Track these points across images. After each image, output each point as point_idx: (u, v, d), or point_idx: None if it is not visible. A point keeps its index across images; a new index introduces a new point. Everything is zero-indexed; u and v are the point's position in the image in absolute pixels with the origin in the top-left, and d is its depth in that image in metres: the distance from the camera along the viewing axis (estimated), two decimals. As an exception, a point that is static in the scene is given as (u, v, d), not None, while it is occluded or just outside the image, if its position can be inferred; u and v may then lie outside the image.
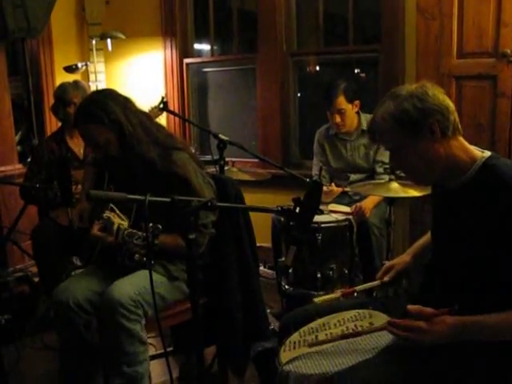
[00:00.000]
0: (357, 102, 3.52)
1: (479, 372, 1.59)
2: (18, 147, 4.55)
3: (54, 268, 3.06)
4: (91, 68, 4.65)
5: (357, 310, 1.86)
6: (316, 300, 1.88)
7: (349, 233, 3.12)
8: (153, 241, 1.72)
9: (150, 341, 2.85)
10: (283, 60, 4.39)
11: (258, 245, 2.64)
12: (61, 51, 4.77)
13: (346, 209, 3.34)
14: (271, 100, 4.44)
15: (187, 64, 4.84)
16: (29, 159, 3.68)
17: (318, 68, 4.55)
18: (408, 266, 1.98)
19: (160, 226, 1.73)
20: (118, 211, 2.16)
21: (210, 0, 4.73)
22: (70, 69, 4.47)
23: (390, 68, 3.88)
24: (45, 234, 3.21)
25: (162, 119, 3.86)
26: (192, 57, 4.88)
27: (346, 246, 3.13)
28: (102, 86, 4.64)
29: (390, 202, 2.94)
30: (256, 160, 3.95)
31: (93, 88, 4.34)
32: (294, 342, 1.77)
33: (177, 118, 4.70)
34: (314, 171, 3.75)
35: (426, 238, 2.03)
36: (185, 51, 4.84)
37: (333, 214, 3.20)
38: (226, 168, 3.23)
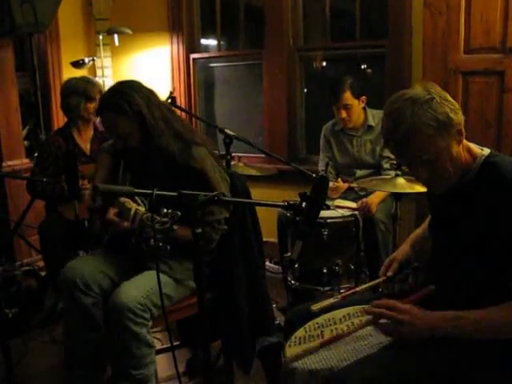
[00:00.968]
0: (363, 98, 3.51)
1: (481, 371, 1.59)
2: (25, 142, 4.57)
3: (61, 262, 3.07)
4: (98, 63, 4.66)
5: (362, 306, 1.87)
6: (314, 308, 1.85)
7: (355, 228, 3.12)
8: (171, 226, 1.71)
9: (156, 335, 2.88)
10: (290, 55, 4.39)
11: (264, 240, 2.64)
12: (68, 46, 4.78)
13: (352, 204, 3.34)
14: (278, 95, 4.43)
15: (194, 59, 4.84)
16: (36, 154, 3.69)
17: (324, 63, 4.55)
18: (408, 255, 1.97)
19: (179, 213, 1.72)
20: (136, 197, 2.17)
21: (217, -5, 4.73)
22: (77, 64, 4.49)
23: (396, 63, 3.87)
24: (52, 228, 3.23)
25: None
26: (199, 52, 4.88)
27: (352, 242, 3.13)
28: (108, 81, 4.64)
29: (397, 197, 2.93)
30: (262, 155, 3.96)
31: (100, 83, 4.34)
32: (300, 338, 1.78)
33: (183, 113, 4.70)
34: (321, 167, 3.75)
35: (424, 226, 2.02)
36: (191, 46, 4.84)
37: (339, 209, 3.20)
38: (232, 163, 3.24)
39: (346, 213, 3.15)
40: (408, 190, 2.74)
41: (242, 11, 4.68)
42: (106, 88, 2.85)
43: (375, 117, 3.54)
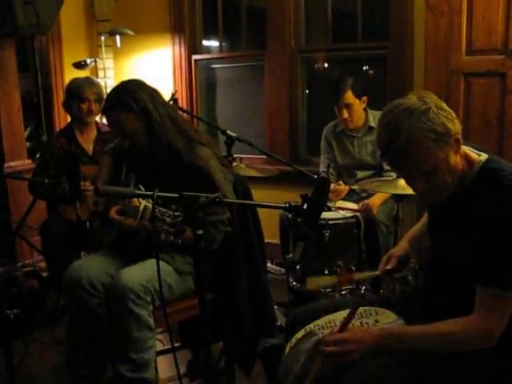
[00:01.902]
0: (364, 98, 3.51)
1: (480, 374, 1.59)
2: (27, 143, 4.57)
3: (63, 263, 3.08)
4: (100, 64, 4.66)
5: (363, 308, 1.87)
6: (309, 282, 1.83)
7: (356, 230, 3.12)
8: (183, 220, 1.70)
9: (157, 336, 2.87)
10: (291, 57, 4.38)
11: (266, 241, 2.64)
12: (70, 48, 4.79)
13: (354, 206, 3.34)
14: (279, 97, 4.43)
15: (196, 60, 4.84)
16: (38, 155, 3.70)
17: (326, 65, 4.54)
18: (406, 252, 1.97)
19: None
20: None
21: (219, -4, 4.74)
22: (79, 65, 4.49)
23: (398, 65, 3.87)
24: (53, 229, 3.24)
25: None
26: (200, 53, 4.88)
27: (354, 243, 3.13)
28: (110, 82, 4.64)
29: (398, 199, 2.93)
30: (264, 156, 3.96)
31: (102, 84, 4.34)
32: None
33: (185, 114, 4.70)
34: (322, 168, 3.75)
35: (421, 223, 2.02)
36: (193, 48, 4.84)
37: (340, 210, 3.20)
38: (234, 164, 3.23)
39: (348, 214, 3.15)
40: (410, 192, 2.72)
41: (244, 12, 4.69)
42: (108, 89, 2.86)
43: (376, 118, 3.53)
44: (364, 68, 4.40)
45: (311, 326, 1.83)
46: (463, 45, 3.46)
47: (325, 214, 3.03)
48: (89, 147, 3.48)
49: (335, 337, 1.60)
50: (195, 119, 4.58)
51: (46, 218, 3.45)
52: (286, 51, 4.36)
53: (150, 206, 2.10)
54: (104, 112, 2.37)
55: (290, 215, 3.21)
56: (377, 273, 1.97)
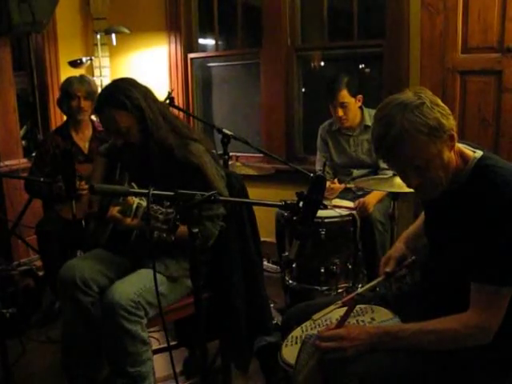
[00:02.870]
0: (360, 97, 3.51)
1: (477, 371, 1.60)
2: (23, 142, 4.56)
3: (59, 262, 3.07)
4: (96, 63, 4.65)
5: (359, 305, 1.87)
6: (315, 318, 1.85)
7: (352, 228, 3.13)
8: (176, 216, 1.70)
9: (153, 335, 2.88)
10: (287, 55, 4.38)
11: (262, 240, 2.64)
12: (65, 46, 4.78)
13: (350, 204, 3.34)
14: (275, 95, 4.43)
15: (191, 59, 4.84)
16: (34, 154, 3.69)
17: (322, 63, 4.54)
18: (403, 252, 1.97)
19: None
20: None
21: (215, -6, 4.73)
22: (75, 63, 4.48)
23: (394, 63, 3.87)
24: (49, 227, 3.23)
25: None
26: (196, 51, 4.88)
27: (350, 241, 3.14)
28: (106, 80, 4.64)
29: (394, 197, 2.94)
30: (260, 155, 3.96)
31: (97, 83, 4.34)
32: (296, 337, 1.78)
33: (181, 113, 4.70)
34: (318, 167, 3.75)
35: (417, 224, 2.02)
36: (189, 46, 4.83)
37: (336, 208, 3.20)
38: (230, 163, 3.23)
39: (344, 212, 3.15)
40: (406, 190, 2.72)
41: (240, 11, 4.68)
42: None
43: (372, 116, 3.53)
44: (360, 66, 4.40)
45: (307, 324, 1.83)
46: (459, 43, 3.47)
47: (321, 213, 3.03)
48: (84, 146, 3.47)
49: (331, 332, 1.60)
50: (191, 118, 4.59)
51: (42, 217, 3.44)
52: (281, 49, 4.36)
53: (143, 203, 2.09)
54: (96, 110, 2.36)
55: (285, 213, 3.21)
56: (379, 279, 1.96)
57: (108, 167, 2.51)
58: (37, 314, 3.41)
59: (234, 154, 3.44)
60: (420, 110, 1.51)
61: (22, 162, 4.20)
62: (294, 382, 1.60)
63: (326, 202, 3.20)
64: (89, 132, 3.52)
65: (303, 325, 1.84)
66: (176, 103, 3.46)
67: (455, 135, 1.56)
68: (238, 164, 3.48)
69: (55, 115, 4.65)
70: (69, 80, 3.47)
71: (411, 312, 1.75)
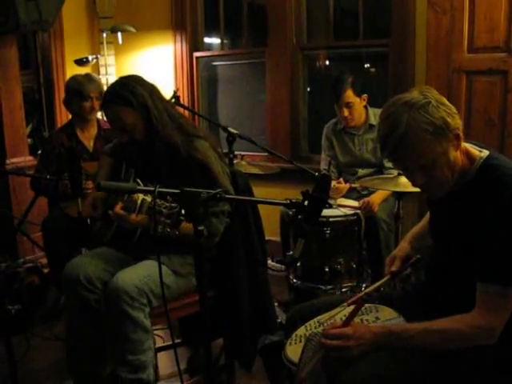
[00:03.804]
0: (364, 96, 3.51)
1: (481, 371, 1.60)
2: (29, 139, 4.57)
3: (64, 259, 3.09)
4: (101, 61, 4.67)
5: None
6: (321, 320, 1.85)
7: (357, 227, 3.12)
8: (180, 210, 1.70)
9: (158, 332, 2.88)
10: (293, 54, 4.38)
11: (266, 238, 2.64)
12: (71, 44, 4.79)
13: (354, 203, 3.34)
14: (280, 94, 4.43)
15: (197, 58, 4.84)
16: (39, 151, 3.70)
17: (327, 62, 4.54)
18: (408, 252, 1.97)
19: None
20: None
21: (220, -7, 4.74)
22: (81, 62, 4.50)
23: (400, 62, 3.87)
24: (55, 225, 3.24)
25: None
26: (202, 50, 4.89)
27: (354, 241, 3.13)
28: (112, 79, 4.65)
29: (399, 196, 2.94)
30: (265, 154, 3.96)
31: (103, 81, 4.35)
32: (300, 336, 1.78)
33: (186, 112, 4.71)
34: (323, 166, 3.75)
35: (422, 223, 2.02)
36: (195, 45, 4.84)
37: (341, 208, 3.20)
38: (235, 161, 3.24)
39: (349, 212, 3.15)
40: (410, 189, 2.72)
41: (245, 10, 4.68)
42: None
43: (377, 115, 3.53)
44: (365, 66, 4.39)
45: (311, 322, 1.83)
46: (465, 42, 3.46)
47: (325, 212, 2.99)
48: (89, 144, 3.48)
49: (337, 331, 1.60)
50: (197, 116, 4.59)
51: (47, 215, 3.46)
52: (287, 48, 4.36)
53: (148, 199, 2.09)
54: (103, 107, 2.37)
55: (290, 212, 3.21)
56: (385, 279, 1.96)
57: (113, 166, 2.53)
58: (41, 310, 3.43)
59: (239, 152, 3.45)
60: (426, 110, 1.51)
61: (27, 159, 4.21)
62: (297, 379, 1.60)
63: (330, 202, 3.20)
64: (94, 130, 3.53)
65: (307, 323, 1.83)
66: (181, 102, 3.46)
67: (461, 134, 1.56)
68: (243, 163, 3.48)
69: (61, 113, 4.66)
70: (78, 80, 3.44)
71: (415, 311, 1.75)
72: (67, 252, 3.14)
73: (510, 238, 1.49)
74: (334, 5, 4.30)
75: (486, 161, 1.60)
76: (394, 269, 1.94)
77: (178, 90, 3.50)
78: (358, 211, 3.18)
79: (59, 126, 4.37)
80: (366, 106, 3.57)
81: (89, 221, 3.01)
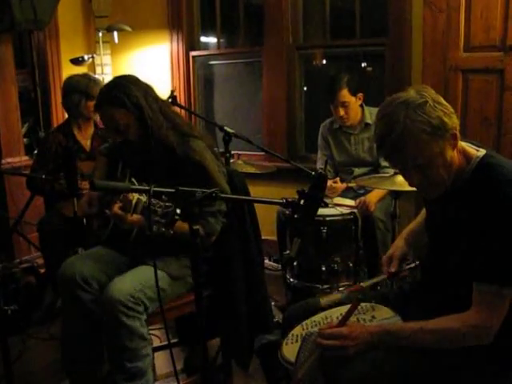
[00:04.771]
0: (360, 95, 3.50)
1: (477, 371, 1.60)
2: (25, 139, 4.56)
3: (60, 259, 3.08)
4: (97, 60, 4.65)
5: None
6: (322, 301, 1.85)
7: (354, 226, 3.12)
8: (175, 209, 1.70)
9: (154, 332, 2.88)
10: (289, 53, 4.38)
11: (263, 238, 2.64)
12: (67, 44, 4.78)
13: (351, 202, 3.34)
14: (277, 93, 4.43)
15: (193, 57, 4.84)
16: (35, 151, 3.69)
17: (324, 61, 4.54)
18: (404, 251, 1.97)
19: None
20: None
21: (217, -7, 4.73)
22: (77, 61, 4.48)
23: (396, 61, 3.87)
24: (51, 225, 3.23)
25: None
26: (198, 50, 4.88)
27: (351, 240, 3.13)
28: (108, 78, 4.63)
29: (395, 195, 2.93)
30: (261, 153, 3.94)
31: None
32: (297, 335, 1.78)
33: (183, 111, 4.71)
34: (319, 165, 3.74)
35: (418, 220, 2.02)
36: (191, 44, 4.83)
37: (338, 207, 3.20)
38: (231, 161, 3.23)
39: (345, 211, 3.15)
40: (407, 188, 2.72)
41: (242, 9, 4.68)
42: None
43: (373, 114, 3.53)
44: (362, 65, 4.39)
45: (307, 322, 1.83)
46: (461, 41, 3.46)
47: (322, 211, 3.03)
48: (86, 143, 3.47)
49: (333, 330, 1.60)
50: (193, 116, 4.58)
51: (43, 215, 3.44)
52: (283, 48, 4.35)
53: (142, 198, 2.08)
54: (97, 108, 2.35)
55: (287, 211, 3.21)
56: (383, 277, 1.96)
57: (109, 166, 2.52)
58: (38, 311, 3.41)
59: (235, 152, 3.45)
60: (423, 109, 1.50)
61: (23, 159, 4.21)
62: (294, 379, 1.60)
63: (327, 201, 3.20)
64: (91, 130, 3.52)
65: (304, 323, 1.84)
66: (178, 101, 3.45)
67: (458, 134, 1.56)
68: (240, 162, 3.48)
69: (57, 112, 4.65)
70: (81, 80, 3.41)
71: (412, 311, 1.76)
72: (63, 252, 3.13)
73: (506, 237, 1.48)
74: (330, 4, 4.30)
75: (482, 160, 1.60)
76: (392, 270, 1.94)
77: (175, 89, 3.48)
78: (355, 210, 3.17)
79: (55, 125, 4.36)
80: (361, 105, 3.56)
81: (85, 220, 3.01)
